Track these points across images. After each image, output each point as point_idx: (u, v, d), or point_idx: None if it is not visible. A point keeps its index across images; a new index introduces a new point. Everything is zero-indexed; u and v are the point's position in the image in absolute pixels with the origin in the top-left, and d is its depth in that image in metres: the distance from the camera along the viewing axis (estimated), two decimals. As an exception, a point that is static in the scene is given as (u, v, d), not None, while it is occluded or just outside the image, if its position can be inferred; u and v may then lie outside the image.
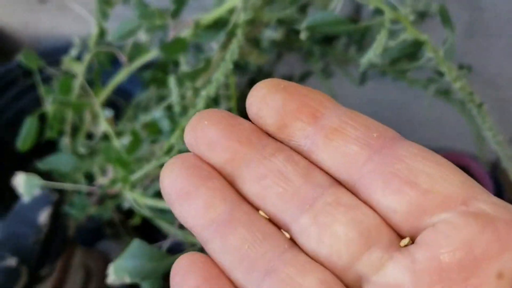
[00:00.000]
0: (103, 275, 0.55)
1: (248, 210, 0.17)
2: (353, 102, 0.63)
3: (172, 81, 0.35)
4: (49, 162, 0.37)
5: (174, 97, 0.35)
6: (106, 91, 0.42)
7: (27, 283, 0.43)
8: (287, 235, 0.17)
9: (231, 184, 0.18)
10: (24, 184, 0.38)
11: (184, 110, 0.34)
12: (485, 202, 0.16)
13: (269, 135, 0.18)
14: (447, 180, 0.16)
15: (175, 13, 0.38)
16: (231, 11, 0.32)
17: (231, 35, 0.31)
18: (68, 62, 0.41)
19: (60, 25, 0.71)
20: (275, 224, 0.17)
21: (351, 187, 0.17)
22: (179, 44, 0.31)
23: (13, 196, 0.70)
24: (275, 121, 0.18)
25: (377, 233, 0.16)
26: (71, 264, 0.49)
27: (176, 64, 0.44)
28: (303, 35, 0.28)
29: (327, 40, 0.49)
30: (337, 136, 0.17)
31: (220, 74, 0.31)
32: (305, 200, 0.17)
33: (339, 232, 0.16)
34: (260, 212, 0.18)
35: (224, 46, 0.32)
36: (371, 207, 0.17)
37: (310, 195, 0.17)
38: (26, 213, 0.44)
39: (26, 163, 0.75)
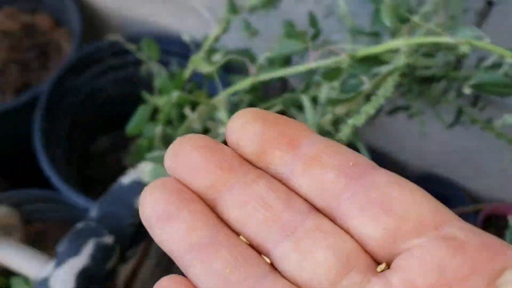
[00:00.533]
0: (169, 263, 0.57)
1: (229, 234, 0.18)
2: (423, 142, 0.65)
3: (306, 102, 0.37)
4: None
5: (309, 117, 0.36)
6: (223, 95, 0.44)
7: (116, 262, 0.45)
8: (268, 260, 0.18)
9: (212, 209, 0.18)
10: (150, 172, 0.39)
11: (319, 131, 0.36)
12: (456, 227, 0.17)
13: (249, 162, 0.19)
14: (420, 206, 0.17)
15: (314, 37, 0.40)
16: (390, 51, 0.34)
17: (388, 73, 0.33)
18: (196, 61, 0.43)
19: (154, 15, 0.73)
20: (256, 249, 0.18)
21: (329, 214, 0.18)
22: (336, 72, 0.33)
23: (84, 166, 0.72)
24: (255, 149, 0.18)
25: (355, 258, 0.17)
26: (149, 250, 0.51)
27: (281, 80, 0.46)
28: (467, 90, 0.30)
29: (426, 80, 0.51)
30: (314, 164, 0.18)
31: (370, 107, 0.32)
32: (286, 226, 0.17)
33: (319, 258, 0.17)
34: (241, 237, 0.18)
35: (377, 82, 0.34)
36: (348, 233, 0.17)
37: (291, 221, 0.17)
38: (125, 195, 0.45)
39: (93, 138, 0.77)
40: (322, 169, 0.18)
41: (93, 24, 0.79)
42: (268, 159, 0.18)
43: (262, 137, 0.18)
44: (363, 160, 0.18)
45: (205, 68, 0.42)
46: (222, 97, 0.44)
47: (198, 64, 0.42)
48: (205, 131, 0.54)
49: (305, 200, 0.18)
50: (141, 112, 0.46)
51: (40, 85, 0.75)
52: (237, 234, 0.18)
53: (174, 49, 0.72)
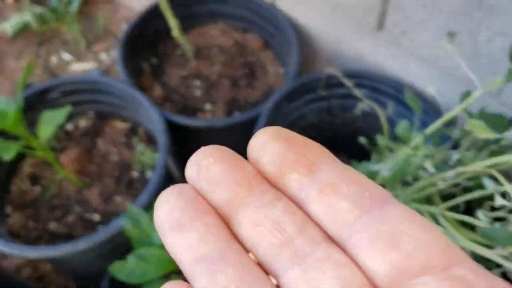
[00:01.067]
0: None
1: (239, 251, 0.17)
2: None
3: None
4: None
5: None
6: (492, 162, 0.44)
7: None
8: (275, 282, 0.17)
9: (226, 224, 0.18)
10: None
11: None
12: (466, 268, 0.16)
13: (268, 181, 0.19)
14: (431, 244, 0.16)
15: None
16: None
17: None
18: (475, 126, 0.43)
19: (371, 53, 0.75)
20: (264, 270, 0.17)
21: (340, 243, 0.17)
22: None
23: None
24: (273, 169, 0.18)
25: None
26: None
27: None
28: None
29: None
30: (330, 191, 0.18)
31: None
32: (297, 253, 0.17)
33: None
34: (251, 255, 0.18)
35: None
36: (357, 265, 0.17)
37: (303, 249, 0.17)
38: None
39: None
40: (337, 197, 0.18)
41: (310, 57, 0.83)
42: (286, 181, 0.18)
43: (281, 158, 0.18)
44: (380, 191, 0.18)
45: (487, 134, 0.42)
46: (491, 164, 0.44)
47: (479, 129, 0.43)
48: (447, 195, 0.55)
49: (319, 227, 0.18)
50: (404, 164, 0.47)
51: (248, 102, 0.80)
52: (248, 252, 0.18)
53: (388, 90, 0.73)
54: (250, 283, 0.17)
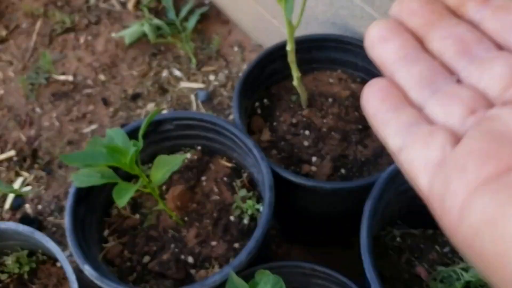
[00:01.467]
0: None
1: (429, 56, 0.24)
2: None
3: None
4: None
5: None
6: None
7: None
8: (455, 78, 0.23)
9: (420, 42, 0.24)
10: None
11: None
12: None
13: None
14: None
15: None
16: None
17: None
18: None
19: None
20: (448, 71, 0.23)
21: (507, 46, 0.22)
22: None
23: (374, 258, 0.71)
24: (456, 1, 0.24)
25: None
26: None
27: None
28: None
29: None
30: (501, 11, 0.23)
31: None
32: (474, 56, 0.23)
33: (496, 71, 0.22)
34: (437, 61, 0.24)
35: None
36: None
37: (480, 53, 0.23)
38: None
39: (383, 229, 0.76)
40: (507, 13, 0.23)
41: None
42: (465, 8, 0.24)
43: None
44: None
45: None
46: None
47: None
48: None
49: (492, 39, 0.23)
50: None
51: (356, 160, 0.77)
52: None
53: None
54: (437, 73, 0.23)
